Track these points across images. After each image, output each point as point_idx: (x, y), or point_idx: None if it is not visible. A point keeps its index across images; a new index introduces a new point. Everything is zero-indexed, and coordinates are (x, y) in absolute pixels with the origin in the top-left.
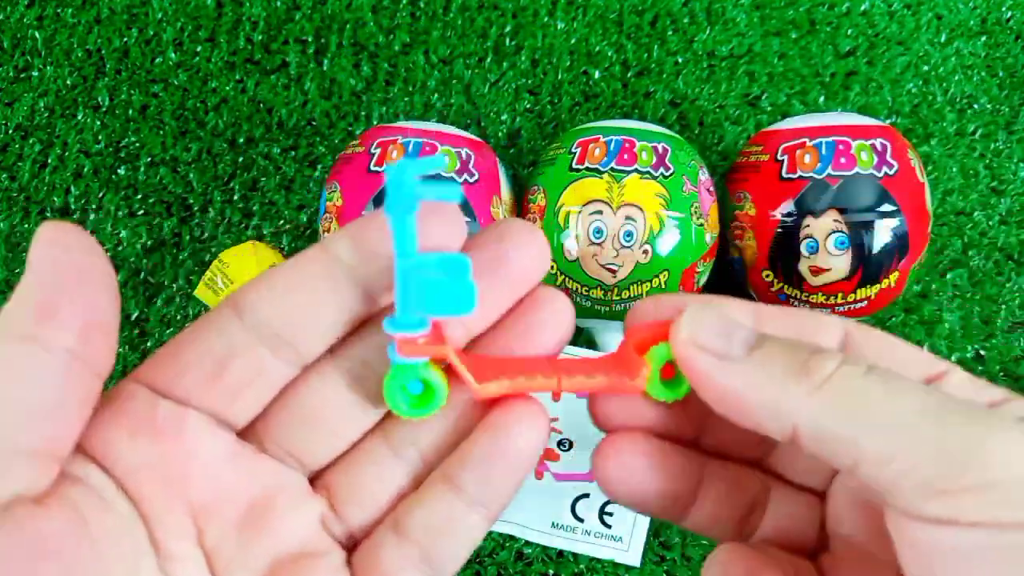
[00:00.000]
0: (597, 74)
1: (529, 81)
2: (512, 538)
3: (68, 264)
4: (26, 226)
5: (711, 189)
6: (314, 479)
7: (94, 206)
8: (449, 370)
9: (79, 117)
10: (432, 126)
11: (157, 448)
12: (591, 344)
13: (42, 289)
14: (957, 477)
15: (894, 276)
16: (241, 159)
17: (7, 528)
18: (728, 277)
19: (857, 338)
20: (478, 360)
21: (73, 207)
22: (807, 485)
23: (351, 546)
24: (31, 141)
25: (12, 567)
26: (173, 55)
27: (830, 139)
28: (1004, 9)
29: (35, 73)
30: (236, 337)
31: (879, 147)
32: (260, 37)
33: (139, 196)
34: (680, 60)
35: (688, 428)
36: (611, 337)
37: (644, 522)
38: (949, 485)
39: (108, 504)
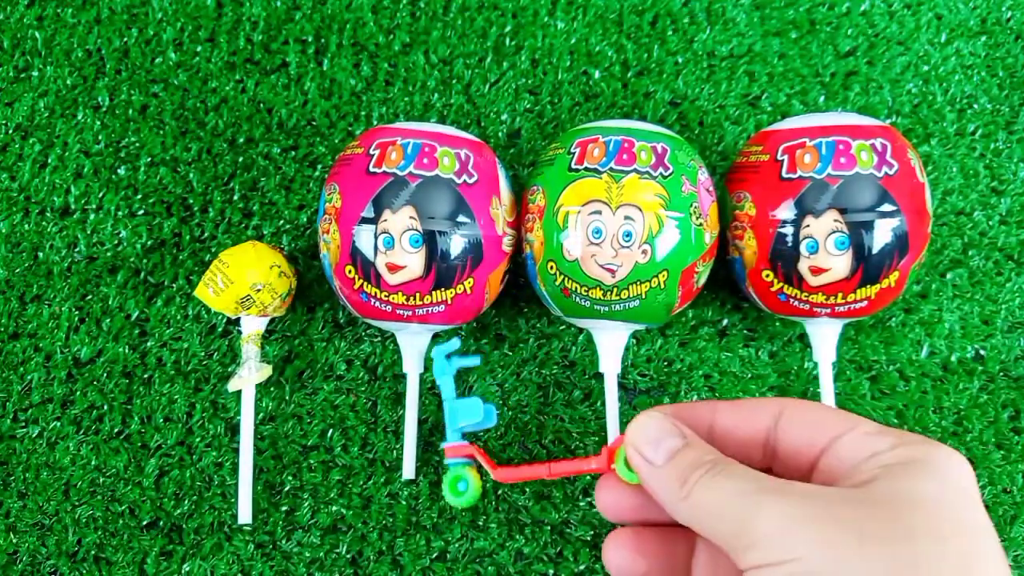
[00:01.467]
0: (597, 74)
1: (529, 81)
2: (512, 538)
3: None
4: (26, 226)
5: (711, 189)
6: None
7: (94, 206)
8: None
9: (79, 117)
10: (431, 127)
11: None
12: (590, 344)
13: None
14: (743, 539)
15: (894, 276)
16: (241, 159)
17: None
18: (728, 277)
19: (788, 417)
20: (496, 465)
21: (73, 207)
22: None
23: None
24: (31, 141)
25: None
26: (173, 55)
27: (830, 139)
28: (1004, 9)
29: (35, 73)
30: None
31: (879, 147)
32: (260, 37)
33: (139, 196)
34: (680, 60)
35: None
36: (610, 337)
37: None
38: (742, 544)
39: None
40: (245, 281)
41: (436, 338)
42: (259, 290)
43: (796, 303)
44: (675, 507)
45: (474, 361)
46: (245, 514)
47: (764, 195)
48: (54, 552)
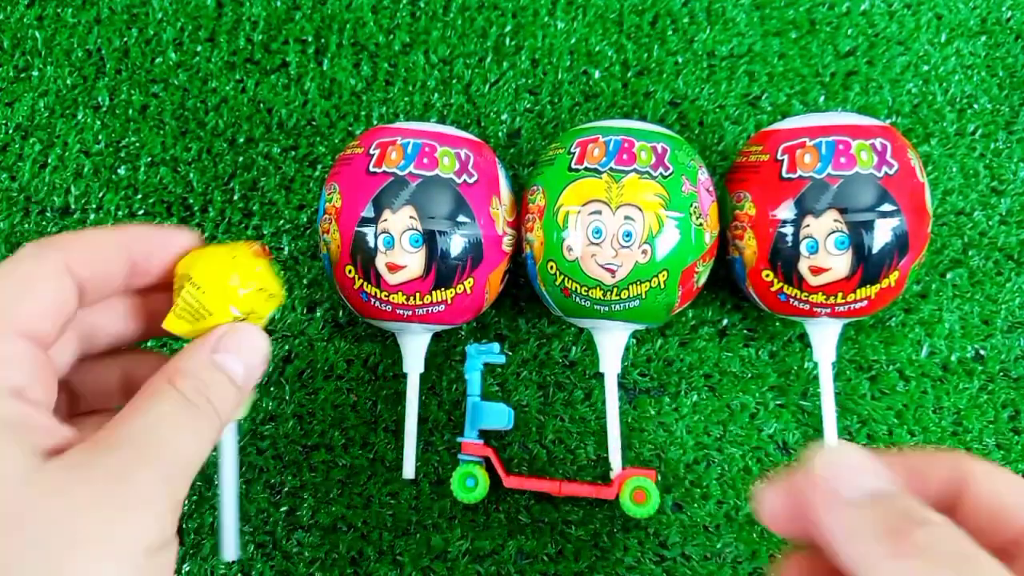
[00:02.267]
0: (597, 74)
1: (529, 81)
2: (512, 537)
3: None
4: (26, 226)
5: (710, 189)
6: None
7: (94, 206)
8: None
9: (79, 117)
10: (431, 127)
11: None
12: (591, 344)
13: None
14: None
15: (894, 276)
16: (241, 159)
17: None
18: (728, 277)
19: (985, 473)
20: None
21: (73, 207)
22: None
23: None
24: (31, 141)
25: None
26: (173, 55)
27: (830, 139)
28: (1004, 9)
29: (35, 73)
30: None
31: (879, 147)
32: (260, 37)
33: (139, 196)
34: (680, 60)
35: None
36: (610, 337)
37: None
38: None
39: None
40: (227, 313)
41: (456, 340)
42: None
43: (796, 303)
44: (872, 564)
45: (499, 359)
46: (230, 550)
47: (764, 195)
48: None
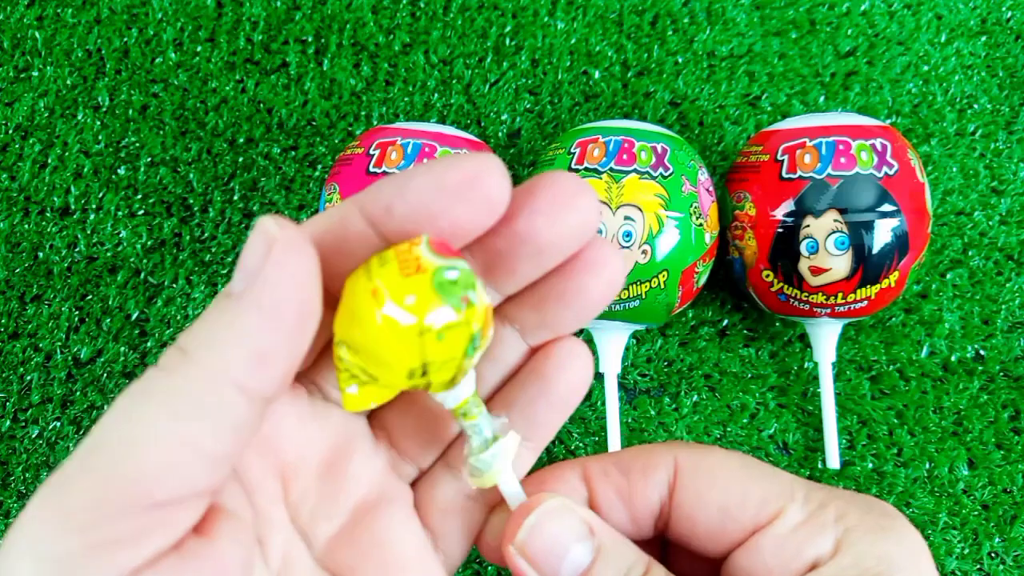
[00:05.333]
0: (597, 74)
1: (529, 81)
2: None
3: (292, 302)
4: (26, 226)
5: (711, 189)
6: (372, 422)
7: (94, 206)
8: None
9: (79, 117)
10: (431, 127)
11: None
12: (590, 344)
13: (262, 334)
14: None
15: (894, 276)
16: (241, 159)
17: (194, 568)
18: (728, 277)
19: (686, 469)
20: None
21: (73, 207)
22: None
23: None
24: (31, 141)
25: None
26: (173, 55)
27: (830, 139)
28: (1004, 9)
29: (35, 73)
30: None
31: (879, 147)
32: (260, 37)
33: (139, 196)
34: (680, 60)
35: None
36: (610, 337)
37: None
38: None
39: (238, 505)
40: (399, 378)
41: None
42: (424, 374)
43: (796, 303)
44: None
45: None
46: None
47: (764, 195)
48: None
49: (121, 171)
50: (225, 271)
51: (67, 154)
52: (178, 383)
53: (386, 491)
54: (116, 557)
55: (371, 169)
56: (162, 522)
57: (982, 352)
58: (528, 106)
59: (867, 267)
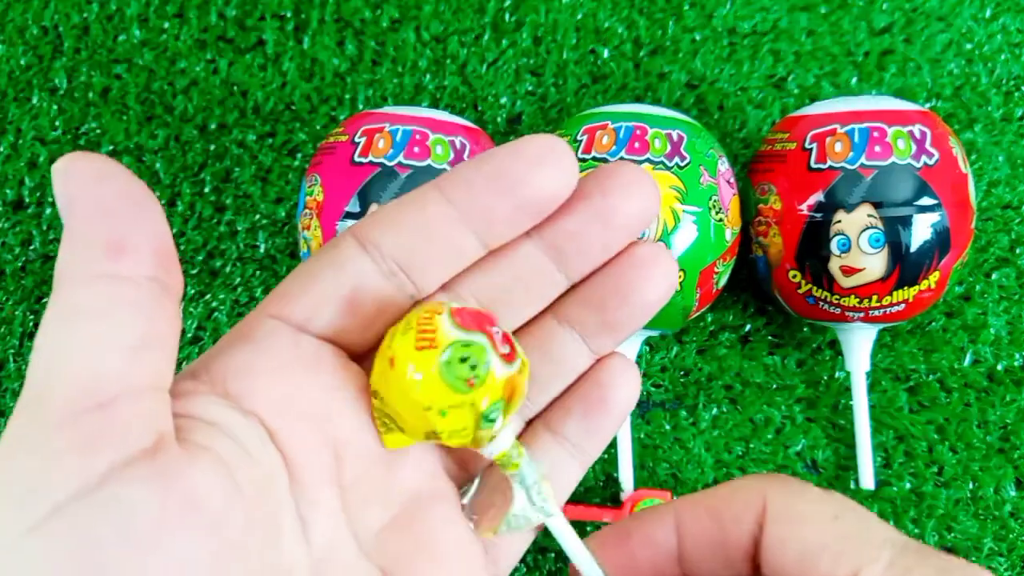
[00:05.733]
0: (606, 53)
1: (531, 61)
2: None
3: (115, 194)
4: None
5: (732, 180)
6: None
7: (51, 199)
8: None
9: (34, 101)
10: (423, 112)
11: (301, 385)
12: None
13: (102, 225)
14: None
15: (934, 277)
16: (213, 147)
17: (160, 481)
18: (751, 278)
19: (773, 512)
20: None
21: (27, 200)
22: None
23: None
24: None
25: (164, 517)
26: (138, 32)
27: (863, 125)
28: None
29: None
30: (365, 271)
31: (917, 134)
32: (233, 12)
33: None
34: (698, 37)
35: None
36: (621, 346)
37: None
38: None
39: (252, 452)
40: (418, 437)
41: None
42: (439, 437)
43: (826, 306)
44: None
45: None
46: None
47: (791, 187)
48: None
49: None
50: (195, 271)
51: (20, 142)
52: (71, 300)
53: (438, 487)
54: (67, 465)
55: (356, 159)
56: (111, 428)
57: None
58: (530, 88)
59: (904, 267)
